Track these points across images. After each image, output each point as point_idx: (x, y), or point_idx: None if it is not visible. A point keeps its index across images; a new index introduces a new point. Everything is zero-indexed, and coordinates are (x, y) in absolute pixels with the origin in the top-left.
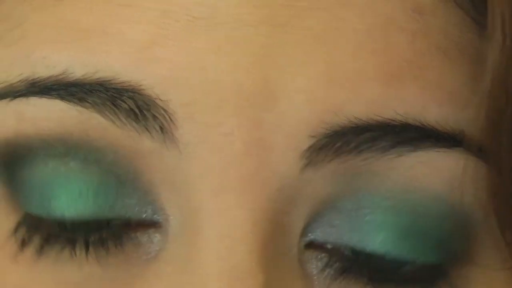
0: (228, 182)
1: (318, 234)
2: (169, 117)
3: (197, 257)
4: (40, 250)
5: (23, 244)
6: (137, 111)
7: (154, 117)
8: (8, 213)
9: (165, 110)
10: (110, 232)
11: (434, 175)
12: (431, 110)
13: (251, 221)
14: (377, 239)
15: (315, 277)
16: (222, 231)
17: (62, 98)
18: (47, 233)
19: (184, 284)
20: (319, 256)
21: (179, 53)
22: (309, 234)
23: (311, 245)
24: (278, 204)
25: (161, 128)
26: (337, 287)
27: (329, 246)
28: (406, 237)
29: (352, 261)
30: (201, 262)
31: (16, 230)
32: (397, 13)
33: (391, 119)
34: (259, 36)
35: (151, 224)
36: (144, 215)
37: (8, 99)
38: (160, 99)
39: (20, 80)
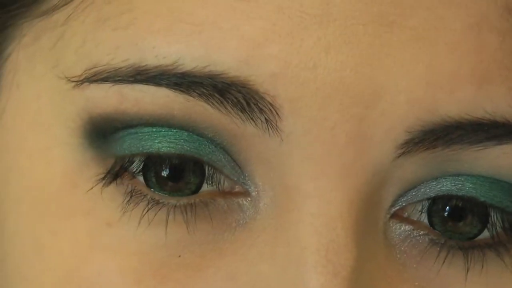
0: (327, 169)
1: (402, 204)
2: (275, 111)
3: (291, 230)
4: (127, 205)
5: (112, 183)
6: (244, 103)
7: (261, 110)
8: (99, 166)
9: (271, 105)
10: (199, 197)
11: None
12: None
13: (347, 201)
14: (467, 188)
15: (397, 246)
16: (319, 209)
17: (169, 87)
18: (136, 187)
19: (278, 254)
20: (402, 228)
21: (291, 50)
22: (397, 205)
23: (394, 217)
24: (372, 185)
25: (266, 120)
26: (416, 254)
27: (412, 217)
28: (494, 189)
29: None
30: (297, 235)
31: (105, 175)
32: (490, 12)
33: (481, 117)
34: (367, 36)
35: (242, 192)
36: (236, 178)
37: (112, 82)
38: (268, 94)
39: (126, 66)
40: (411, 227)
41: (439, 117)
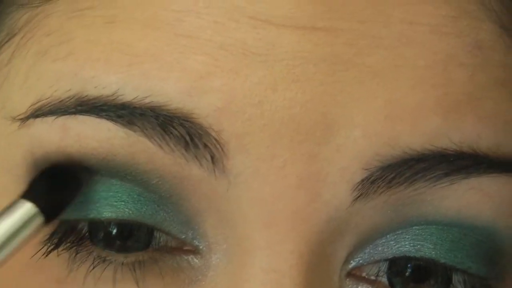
0: (279, 214)
1: (359, 261)
2: (221, 147)
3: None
4: (73, 263)
5: (57, 247)
6: (187, 138)
7: (205, 146)
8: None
9: (217, 140)
10: (148, 254)
11: (484, 201)
12: (486, 138)
13: (298, 254)
14: (426, 249)
15: None
16: (269, 264)
17: (110, 118)
18: (82, 246)
19: None
20: (359, 285)
21: (234, 85)
22: (351, 262)
23: (351, 275)
24: (325, 235)
25: (212, 158)
26: None
27: (371, 277)
28: (455, 249)
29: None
30: None
31: (49, 238)
32: (457, 50)
33: (446, 148)
34: (319, 74)
35: (191, 249)
36: (184, 236)
37: (55, 115)
38: (213, 128)
39: (68, 97)
40: (369, 286)
41: (400, 150)
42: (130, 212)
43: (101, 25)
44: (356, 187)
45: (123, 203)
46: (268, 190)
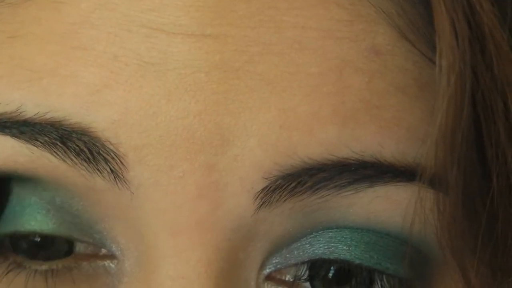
0: (182, 224)
1: (277, 266)
2: (120, 159)
3: None
4: None
5: None
6: (87, 151)
7: (105, 159)
8: None
9: (115, 153)
10: (64, 262)
11: (392, 208)
12: (388, 147)
13: (206, 261)
14: (340, 251)
15: None
16: (176, 271)
17: (13, 135)
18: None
19: None
20: None
21: (129, 97)
22: (268, 266)
23: (270, 278)
24: (234, 242)
25: (112, 170)
26: None
27: (288, 279)
28: (371, 250)
29: None
30: None
31: None
32: (353, 55)
33: (347, 157)
34: (211, 83)
35: (108, 255)
36: (92, 240)
37: None
38: (110, 141)
39: None
40: None
41: (299, 159)
42: (46, 226)
43: (2, 40)
44: (258, 196)
45: (39, 215)
46: (169, 201)
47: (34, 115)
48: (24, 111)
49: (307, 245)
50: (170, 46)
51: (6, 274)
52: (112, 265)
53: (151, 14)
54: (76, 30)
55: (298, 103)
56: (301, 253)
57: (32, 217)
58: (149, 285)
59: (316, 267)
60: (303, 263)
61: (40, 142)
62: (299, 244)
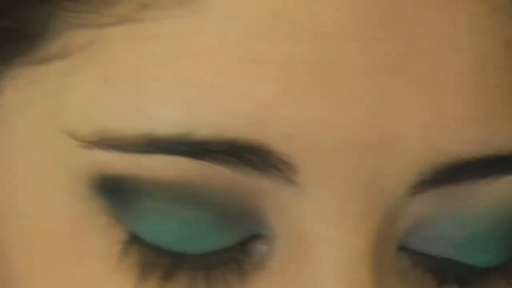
0: (345, 217)
1: (411, 245)
2: (291, 168)
3: (310, 274)
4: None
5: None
6: (259, 163)
7: (277, 168)
8: (114, 230)
9: (286, 163)
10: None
11: None
12: None
13: (366, 243)
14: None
15: (409, 273)
16: (339, 253)
17: (184, 155)
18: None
19: None
20: (412, 258)
21: (301, 108)
22: (408, 234)
23: (401, 249)
24: (386, 226)
25: (284, 176)
26: (431, 280)
27: (420, 257)
28: (496, 242)
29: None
30: (316, 278)
31: (126, 248)
32: (491, 50)
33: (488, 154)
34: (376, 87)
35: (254, 236)
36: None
37: (124, 153)
38: (282, 153)
39: (136, 135)
40: (420, 255)
41: (449, 158)
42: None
43: (169, 61)
44: (411, 189)
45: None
46: (334, 200)
47: (206, 135)
48: (195, 132)
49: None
50: (340, 52)
51: (169, 276)
52: (258, 245)
53: (320, 20)
54: (246, 43)
55: (448, 104)
56: (440, 240)
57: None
58: (302, 265)
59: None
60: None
61: (213, 158)
62: (439, 233)
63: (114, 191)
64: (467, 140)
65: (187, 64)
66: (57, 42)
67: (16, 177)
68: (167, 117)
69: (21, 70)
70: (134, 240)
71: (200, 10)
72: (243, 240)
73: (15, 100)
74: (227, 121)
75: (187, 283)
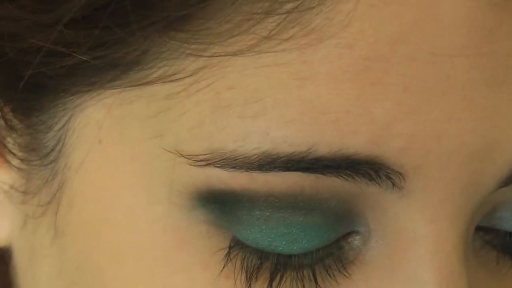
0: (443, 214)
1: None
2: (402, 177)
3: (409, 268)
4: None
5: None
6: (373, 174)
7: (388, 177)
8: (216, 238)
9: (399, 173)
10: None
11: None
12: None
13: (459, 236)
14: None
15: (489, 265)
16: (437, 247)
17: (302, 171)
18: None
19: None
20: (485, 237)
21: (417, 126)
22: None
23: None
24: (473, 219)
25: (392, 184)
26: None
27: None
28: None
29: None
30: (416, 272)
31: (229, 253)
32: None
33: None
34: (483, 99)
35: (350, 233)
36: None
37: (241, 170)
38: (395, 165)
39: (257, 154)
40: (491, 236)
41: None
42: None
43: (289, 83)
44: (501, 184)
45: (304, 241)
46: (436, 199)
47: (326, 153)
48: (315, 151)
49: None
50: (452, 69)
51: (276, 277)
52: (355, 241)
53: (435, 40)
54: (369, 65)
55: None
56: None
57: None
58: (400, 259)
59: None
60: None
61: (328, 172)
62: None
63: (219, 203)
64: None
65: (310, 88)
66: (161, 67)
67: (110, 192)
68: (289, 138)
69: (113, 91)
70: (237, 246)
71: (323, 38)
72: (341, 236)
73: (104, 118)
74: (347, 140)
75: (294, 280)
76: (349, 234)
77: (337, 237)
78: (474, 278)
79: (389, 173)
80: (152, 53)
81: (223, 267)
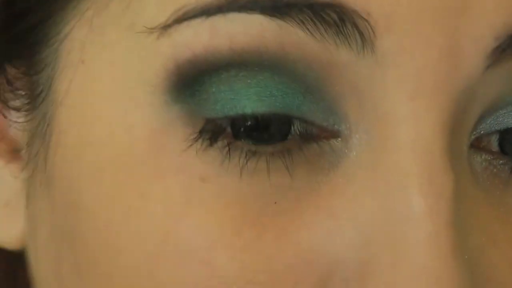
0: (422, 87)
1: (480, 132)
2: (371, 27)
3: (390, 159)
4: (224, 160)
5: (210, 145)
6: (339, 23)
7: (356, 28)
8: (187, 124)
9: (367, 21)
10: (291, 142)
11: None
12: None
13: (441, 122)
14: None
15: (479, 174)
16: (417, 133)
17: (263, 12)
18: (231, 141)
19: (380, 183)
20: (482, 157)
21: None
22: (474, 133)
23: (473, 146)
24: (461, 104)
25: (362, 39)
26: (499, 182)
27: (490, 148)
28: None
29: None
30: (397, 163)
31: (199, 135)
32: None
33: None
34: None
35: (332, 134)
36: (326, 124)
37: (203, 17)
38: (362, 11)
39: None
40: (491, 156)
41: None
42: (279, 105)
43: None
44: (489, 56)
45: (273, 97)
46: (413, 65)
47: None
48: None
49: None
50: None
51: (246, 164)
52: (337, 143)
53: None
54: None
55: None
56: (505, 120)
57: (263, 100)
58: (382, 152)
59: (508, 132)
60: (504, 129)
61: (291, 17)
62: (505, 111)
63: (188, 86)
64: None
65: None
66: None
67: (90, 109)
68: None
69: (90, 1)
70: (209, 124)
71: None
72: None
73: (84, 35)
74: None
75: (272, 154)
76: (330, 136)
77: (318, 121)
78: (472, 203)
79: (357, 23)
80: None
81: (200, 149)
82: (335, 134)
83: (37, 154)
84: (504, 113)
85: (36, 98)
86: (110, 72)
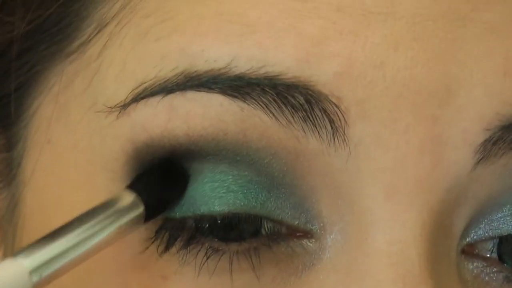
0: (401, 183)
1: (473, 237)
2: (342, 114)
3: (364, 263)
4: (184, 258)
5: (167, 247)
6: (306, 107)
7: (325, 114)
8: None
9: (337, 107)
10: (260, 240)
11: None
12: None
13: (421, 224)
14: None
15: (470, 283)
16: (393, 235)
17: (223, 92)
18: (191, 238)
19: None
20: (474, 264)
21: (354, 48)
22: (467, 238)
23: (465, 252)
24: (445, 204)
25: (332, 127)
26: None
27: (484, 254)
28: None
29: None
30: (371, 268)
31: (156, 235)
32: None
33: None
34: (438, 31)
35: (303, 234)
36: (297, 222)
37: (161, 95)
38: (332, 95)
39: (175, 74)
40: (484, 263)
41: None
42: (240, 203)
43: None
44: (478, 150)
45: (232, 194)
46: (390, 157)
47: (247, 70)
48: (235, 66)
49: (509, 217)
50: None
51: (205, 262)
52: (310, 244)
53: None
54: None
55: None
56: (500, 225)
57: (221, 197)
58: (357, 255)
59: (506, 239)
60: (499, 236)
61: (254, 99)
62: (500, 215)
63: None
64: None
65: (228, 2)
66: (95, 18)
67: (52, 193)
68: (205, 52)
69: (55, 75)
70: (168, 223)
71: None
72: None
73: (51, 114)
74: (269, 55)
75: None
76: (303, 236)
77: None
78: None
79: (326, 109)
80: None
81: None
82: (307, 234)
83: (6, 235)
84: (500, 217)
85: (9, 176)
86: (74, 156)
